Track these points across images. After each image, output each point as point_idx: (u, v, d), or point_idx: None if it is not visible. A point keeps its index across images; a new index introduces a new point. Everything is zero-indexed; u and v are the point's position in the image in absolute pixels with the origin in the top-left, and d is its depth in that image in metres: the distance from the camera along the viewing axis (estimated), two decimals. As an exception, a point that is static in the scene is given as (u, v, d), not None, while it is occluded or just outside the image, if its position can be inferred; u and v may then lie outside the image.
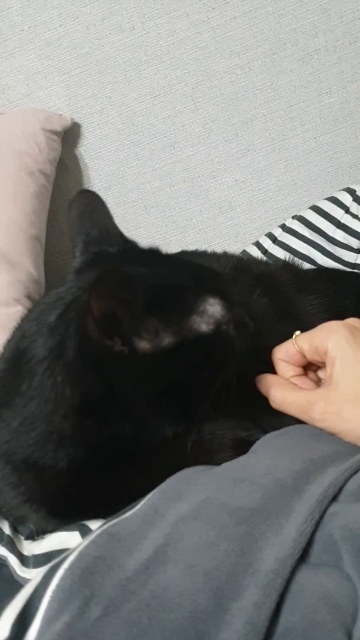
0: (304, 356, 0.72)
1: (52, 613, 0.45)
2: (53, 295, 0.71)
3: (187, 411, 0.68)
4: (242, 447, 0.70)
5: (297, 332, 0.73)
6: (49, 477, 0.68)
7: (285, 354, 0.73)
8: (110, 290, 0.59)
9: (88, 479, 0.68)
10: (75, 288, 0.69)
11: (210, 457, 0.70)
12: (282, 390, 0.71)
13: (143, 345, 0.64)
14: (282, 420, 0.71)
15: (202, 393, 0.69)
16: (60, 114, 1.33)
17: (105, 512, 0.67)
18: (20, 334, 0.71)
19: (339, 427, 0.64)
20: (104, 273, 0.58)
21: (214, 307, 0.68)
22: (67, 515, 0.72)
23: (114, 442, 0.66)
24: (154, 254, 0.79)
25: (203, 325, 0.67)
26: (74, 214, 0.79)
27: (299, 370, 0.74)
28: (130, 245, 0.79)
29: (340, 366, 0.65)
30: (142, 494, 0.61)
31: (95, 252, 0.75)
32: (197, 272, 0.73)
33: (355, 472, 0.55)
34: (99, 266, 0.71)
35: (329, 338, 0.68)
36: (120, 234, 0.79)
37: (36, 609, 0.47)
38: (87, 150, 1.40)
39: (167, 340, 0.65)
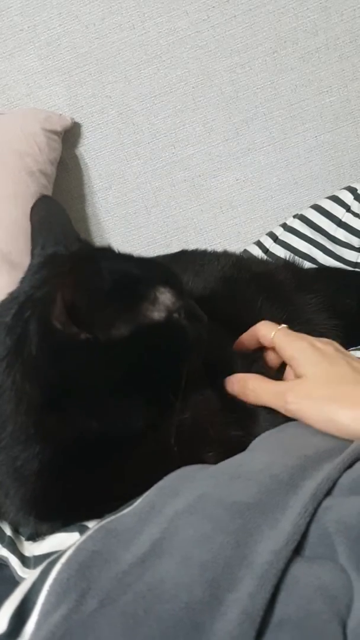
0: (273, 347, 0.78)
1: (49, 606, 0.45)
2: (7, 297, 0.72)
3: (151, 402, 0.68)
4: (233, 445, 0.70)
5: (284, 326, 0.78)
6: (27, 480, 0.68)
7: (263, 334, 0.79)
8: (84, 279, 0.61)
9: (65, 480, 0.67)
10: (27, 287, 0.69)
11: (197, 452, 0.70)
12: (259, 381, 0.74)
13: (102, 334, 0.65)
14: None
15: (163, 383, 0.69)
16: (61, 114, 1.34)
17: (95, 513, 0.68)
18: None
19: (310, 411, 0.67)
20: (79, 261, 0.61)
21: (164, 295, 0.70)
22: (56, 518, 0.72)
23: (82, 440, 0.66)
24: (105, 251, 0.79)
25: (155, 313, 0.69)
26: (34, 219, 0.81)
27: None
28: (82, 245, 0.80)
29: (305, 363, 0.71)
30: (131, 491, 0.61)
31: (49, 254, 0.76)
32: (146, 265, 0.74)
33: (350, 466, 0.55)
34: (50, 266, 0.73)
35: (294, 348, 0.73)
36: (77, 237, 0.81)
37: (34, 603, 0.47)
38: (88, 150, 1.40)
39: (123, 328, 0.66)
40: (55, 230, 0.79)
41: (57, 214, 0.82)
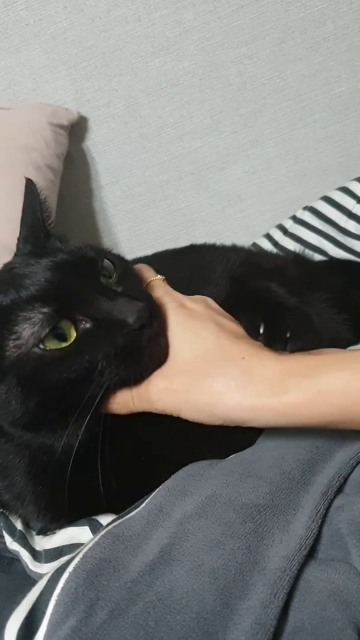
0: None
1: (58, 617, 0.45)
2: None
3: (57, 427, 0.62)
4: (235, 442, 0.69)
5: (160, 277, 0.72)
6: (37, 479, 0.69)
7: (143, 278, 0.72)
8: None
9: (54, 482, 0.67)
10: None
11: (196, 450, 0.69)
12: None
13: None
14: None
15: (61, 410, 0.61)
16: (67, 108, 1.33)
17: (103, 509, 0.68)
18: None
19: (175, 402, 0.60)
20: None
21: (21, 326, 0.60)
22: (55, 521, 0.72)
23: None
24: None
25: (12, 349, 0.60)
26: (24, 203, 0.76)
27: None
28: (31, 248, 0.72)
29: (170, 332, 0.63)
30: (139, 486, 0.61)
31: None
32: (41, 278, 0.63)
33: None
34: None
35: (164, 308, 0.65)
36: (46, 232, 0.74)
37: (43, 613, 0.47)
38: (94, 144, 1.39)
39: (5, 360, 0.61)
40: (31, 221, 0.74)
41: (34, 202, 0.75)
